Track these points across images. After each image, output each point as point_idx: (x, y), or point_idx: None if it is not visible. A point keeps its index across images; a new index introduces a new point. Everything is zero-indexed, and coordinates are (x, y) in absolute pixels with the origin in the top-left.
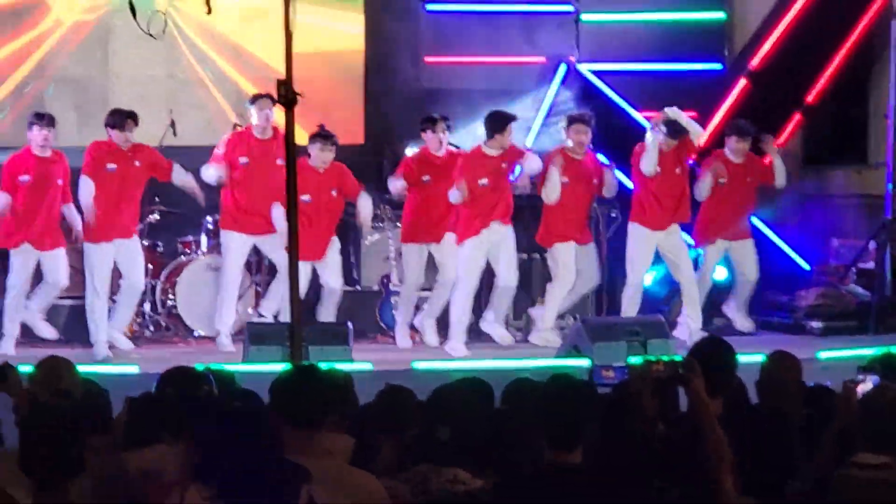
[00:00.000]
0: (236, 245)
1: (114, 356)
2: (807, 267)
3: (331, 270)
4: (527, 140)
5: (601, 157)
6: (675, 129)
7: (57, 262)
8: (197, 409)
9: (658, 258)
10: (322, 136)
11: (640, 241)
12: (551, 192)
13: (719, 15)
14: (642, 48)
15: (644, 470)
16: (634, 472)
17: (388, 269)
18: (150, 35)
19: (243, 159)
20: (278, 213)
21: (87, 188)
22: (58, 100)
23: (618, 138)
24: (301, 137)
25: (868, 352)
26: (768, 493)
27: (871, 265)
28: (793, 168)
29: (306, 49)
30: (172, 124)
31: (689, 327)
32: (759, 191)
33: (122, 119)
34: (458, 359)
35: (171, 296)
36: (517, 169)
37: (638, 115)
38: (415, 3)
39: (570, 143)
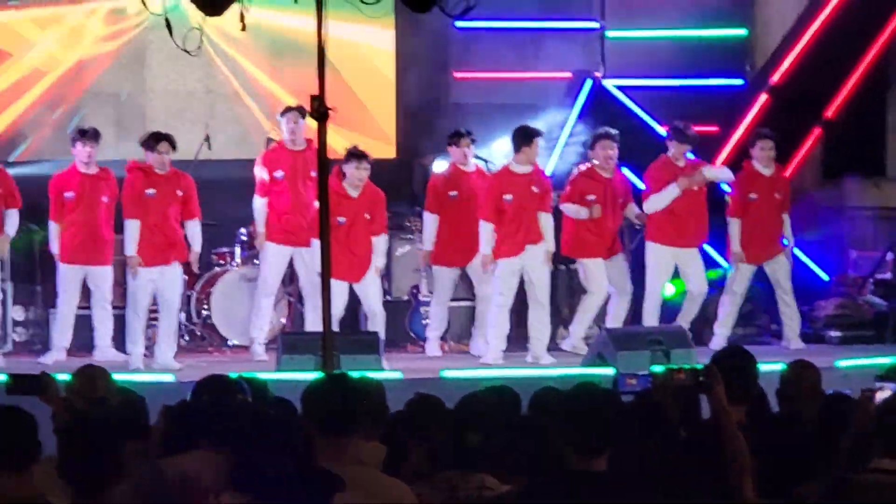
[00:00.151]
0: (274, 256)
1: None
2: (825, 278)
3: (372, 295)
4: (552, 155)
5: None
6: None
7: (103, 278)
8: (231, 416)
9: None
10: (356, 155)
11: (658, 256)
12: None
13: (741, 31)
14: (666, 64)
15: (667, 476)
16: (657, 478)
17: (417, 280)
18: (186, 51)
19: (278, 173)
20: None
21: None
22: (95, 115)
23: (642, 153)
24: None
25: (885, 360)
26: (787, 498)
27: (888, 276)
28: (812, 181)
29: (339, 64)
30: (207, 138)
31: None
32: None
33: (155, 141)
34: (487, 367)
35: (205, 306)
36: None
37: (662, 130)
38: (444, 20)
39: (596, 161)
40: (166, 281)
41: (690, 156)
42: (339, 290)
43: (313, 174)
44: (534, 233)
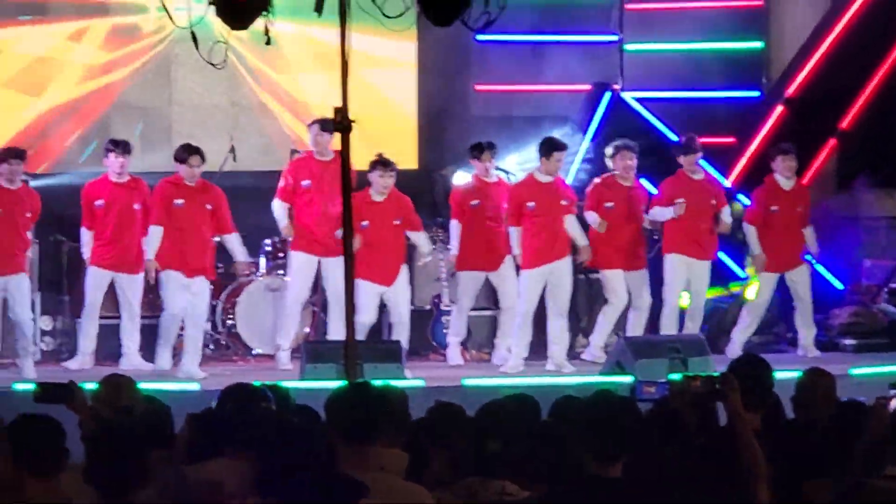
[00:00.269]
0: (302, 265)
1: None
2: (840, 286)
3: (402, 303)
4: (572, 166)
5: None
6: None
7: (131, 287)
8: (255, 424)
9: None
10: (381, 162)
11: (674, 267)
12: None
13: (757, 44)
14: (683, 76)
15: (683, 482)
16: (674, 484)
17: (439, 289)
18: (212, 64)
19: (305, 182)
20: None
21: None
22: (122, 127)
23: (659, 164)
24: (358, 161)
25: None
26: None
27: None
28: (827, 191)
29: (362, 76)
30: (232, 150)
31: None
32: None
33: (188, 154)
34: (508, 375)
35: (230, 315)
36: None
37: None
38: (465, 34)
39: (616, 171)
40: (193, 293)
41: (704, 163)
42: (370, 292)
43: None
44: (560, 247)
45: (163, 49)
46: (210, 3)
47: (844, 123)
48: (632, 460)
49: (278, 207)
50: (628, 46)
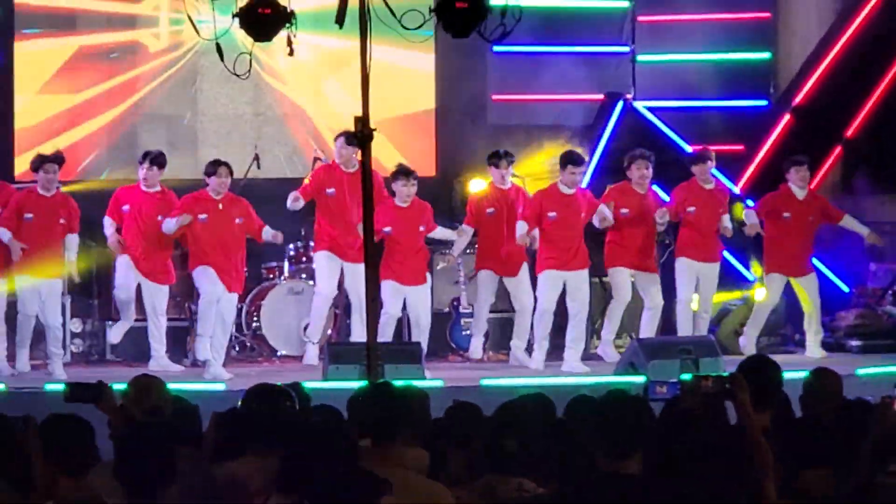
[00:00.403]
0: (327, 263)
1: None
2: (846, 289)
3: (422, 307)
4: (586, 173)
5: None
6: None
7: (156, 295)
8: (279, 423)
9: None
10: (403, 172)
11: (684, 270)
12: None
13: (765, 55)
14: (693, 86)
15: (693, 479)
16: (684, 481)
17: (458, 292)
18: (237, 74)
19: (330, 190)
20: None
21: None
22: (149, 136)
23: (670, 171)
24: (379, 168)
25: None
26: (807, 500)
27: None
28: (833, 197)
29: (382, 87)
30: (256, 158)
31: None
32: None
33: (215, 167)
34: (525, 376)
35: (255, 318)
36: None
37: (690, 149)
38: (482, 44)
39: (633, 179)
40: (224, 303)
41: (716, 172)
42: (395, 290)
43: None
44: (578, 259)
45: (189, 60)
46: (234, 16)
47: (849, 131)
48: (643, 458)
49: (292, 198)
50: (640, 57)
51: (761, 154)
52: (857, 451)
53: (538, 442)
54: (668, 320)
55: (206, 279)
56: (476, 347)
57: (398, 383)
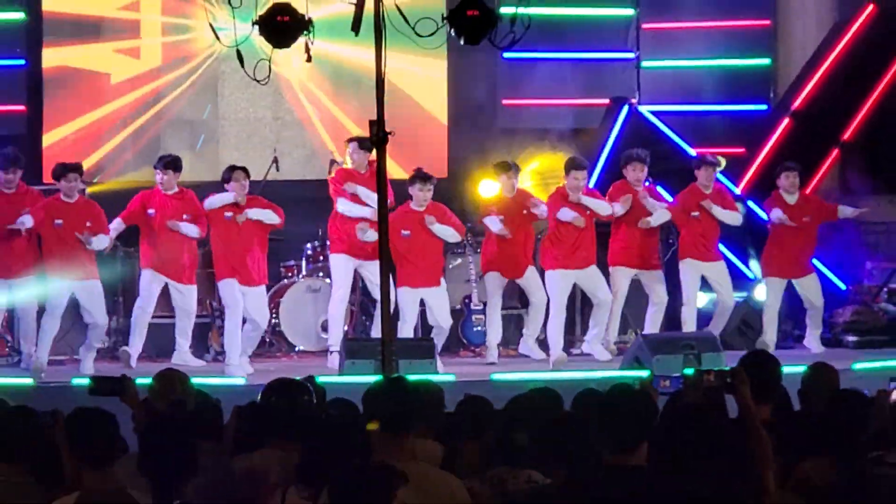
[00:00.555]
0: (342, 267)
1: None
2: (843, 287)
3: (439, 309)
4: (592, 175)
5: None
6: None
7: (183, 294)
8: (298, 416)
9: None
10: (421, 177)
11: (689, 271)
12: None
13: (765, 61)
14: (696, 91)
15: (695, 469)
16: (686, 472)
17: (469, 290)
18: (257, 80)
19: (351, 192)
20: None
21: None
22: (173, 140)
23: (674, 174)
24: (392, 170)
25: None
26: (805, 489)
27: None
28: (830, 197)
29: (396, 91)
30: (275, 161)
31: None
32: None
33: (231, 172)
34: (534, 370)
35: (274, 315)
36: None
37: (692, 151)
38: (492, 51)
39: (629, 179)
40: (252, 300)
41: (720, 177)
42: (411, 299)
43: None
44: (583, 257)
45: (210, 66)
46: (254, 24)
47: (846, 135)
48: (647, 450)
49: (344, 204)
50: (644, 63)
51: (761, 156)
52: (853, 441)
53: (547, 435)
54: (673, 318)
55: (229, 294)
56: (492, 349)
57: (412, 378)
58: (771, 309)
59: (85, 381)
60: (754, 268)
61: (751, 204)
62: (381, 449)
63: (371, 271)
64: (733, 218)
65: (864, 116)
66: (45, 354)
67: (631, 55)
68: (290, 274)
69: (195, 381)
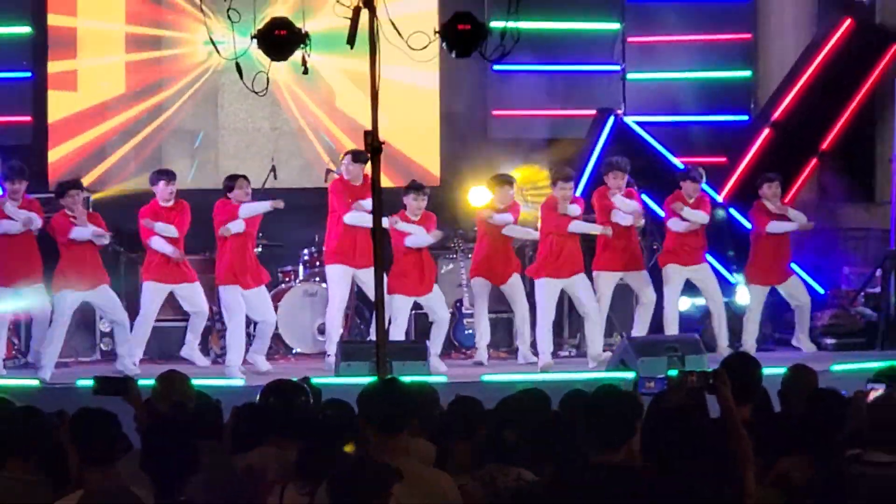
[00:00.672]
0: (338, 277)
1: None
2: (821, 291)
3: (438, 304)
4: (579, 184)
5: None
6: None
7: (193, 293)
8: (295, 416)
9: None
10: (415, 187)
11: (670, 276)
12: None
13: (746, 73)
14: (679, 102)
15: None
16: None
17: (460, 294)
18: (255, 92)
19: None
20: None
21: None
22: (174, 149)
23: (658, 181)
24: (385, 180)
25: (875, 365)
26: (784, 487)
27: (877, 289)
28: (809, 205)
29: (389, 102)
30: (273, 170)
31: (719, 345)
32: None
33: (233, 181)
34: (523, 372)
35: None
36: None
37: (676, 161)
38: (483, 64)
39: (610, 186)
40: (258, 301)
41: (705, 186)
42: (404, 305)
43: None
44: (571, 266)
45: (210, 78)
46: (253, 38)
47: (824, 144)
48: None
49: (353, 215)
50: (630, 75)
51: (743, 165)
52: (831, 441)
53: (535, 434)
54: (656, 320)
55: (233, 300)
56: (481, 350)
57: (405, 379)
58: (753, 313)
59: (88, 383)
60: (736, 274)
61: (732, 211)
62: (377, 447)
63: (366, 277)
64: (699, 216)
65: (841, 127)
66: (52, 363)
67: (617, 68)
68: (287, 279)
69: (196, 382)
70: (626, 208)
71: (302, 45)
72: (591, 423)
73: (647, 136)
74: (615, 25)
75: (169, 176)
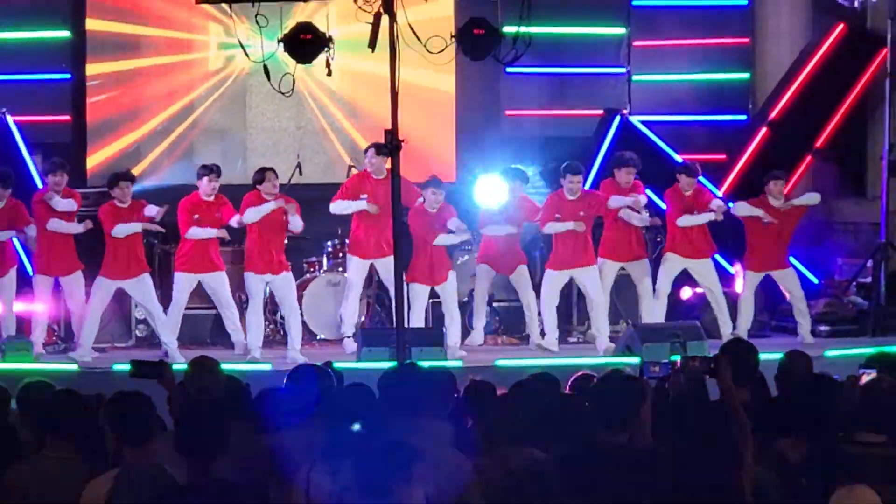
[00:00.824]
0: (357, 268)
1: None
2: (816, 281)
3: (449, 298)
4: (587, 179)
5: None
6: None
7: (221, 284)
8: (321, 399)
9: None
10: (434, 182)
11: (667, 264)
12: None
13: (744, 75)
14: (682, 102)
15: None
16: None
17: (474, 284)
18: (282, 93)
19: (363, 196)
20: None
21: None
22: (205, 147)
23: (662, 178)
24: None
25: (867, 351)
26: (782, 466)
27: (869, 279)
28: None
29: (408, 102)
30: (299, 166)
31: (722, 331)
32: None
33: (262, 174)
34: (534, 356)
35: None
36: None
37: (679, 158)
38: (496, 66)
39: (619, 180)
40: (281, 287)
41: (702, 179)
42: (421, 293)
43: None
44: (583, 257)
45: (239, 80)
46: (279, 42)
47: (819, 142)
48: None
49: (340, 203)
50: (635, 77)
51: (741, 163)
52: (825, 422)
53: (546, 415)
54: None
55: (252, 285)
56: (478, 331)
57: (423, 364)
58: (746, 300)
59: (124, 367)
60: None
61: (731, 205)
62: (395, 429)
63: (385, 267)
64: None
65: (834, 126)
66: (89, 345)
67: (623, 70)
68: (312, 269)
69: (225, 366)
70: (622, 203)
71: (326, 49)
72: (597, 405)
73: (652, 134)
74: (621, 30)
75: (212, 171)
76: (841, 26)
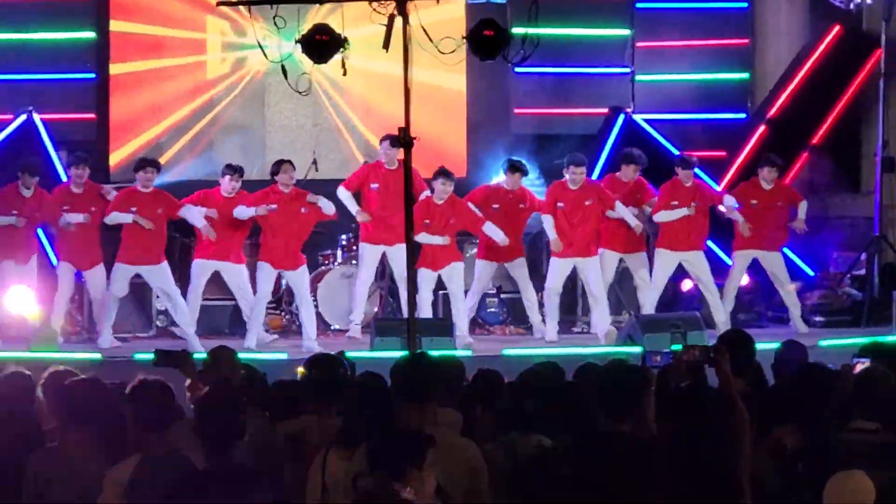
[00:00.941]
0: (368, 254)
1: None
2: (811, 273)
3: (454, 282)
4: (593, 175)
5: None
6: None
7: (239, 276)
8: (336, 387)
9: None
10: (443, 173)
11: (661, 258)
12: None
13: (744, 75)
14: (683, 101)
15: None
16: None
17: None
18: (299, 92)
19: (374, 185)
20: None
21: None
22: (225, 144)
23: (664, 174)
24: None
25: (861, 341)
26: (778, 452)
27: (862, 272)
28: (801, 194)
29: (421, 100)
30: (315, 163)
31: (715, 319)
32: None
33: (279, 165)
34: (540, 346)
35: (313, 297)
36: None
37: (677, 153)
38: (506, 66)
39: (623, 177)
40: (296, 279)
41: (698, 171)
42: (428, 276)
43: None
44: (584, 246)
45: (258, 79)
46: (296, 42)
47: (815, 140)
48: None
49: (343, 193)
50: (639, 77)
51: (740, 159)
52: (820, 410)
53: (552, 403)
54: (664, 300)
55: (262, 276)
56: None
57: (434, 353)
58: (733, 280)
59: (146, 356)
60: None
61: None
62: (408, 417)
63: (395, 255)
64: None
65: (830, 124)
66: (109, 331)
67: (627, 70)
68: (326, 262)
69: (242, 356)
70: (624, 211)
71: (341, 49)
72: (601, 393)
73: (654, 132)
74: (626, 31)
75: (235, 171)
76: (837, 28)
